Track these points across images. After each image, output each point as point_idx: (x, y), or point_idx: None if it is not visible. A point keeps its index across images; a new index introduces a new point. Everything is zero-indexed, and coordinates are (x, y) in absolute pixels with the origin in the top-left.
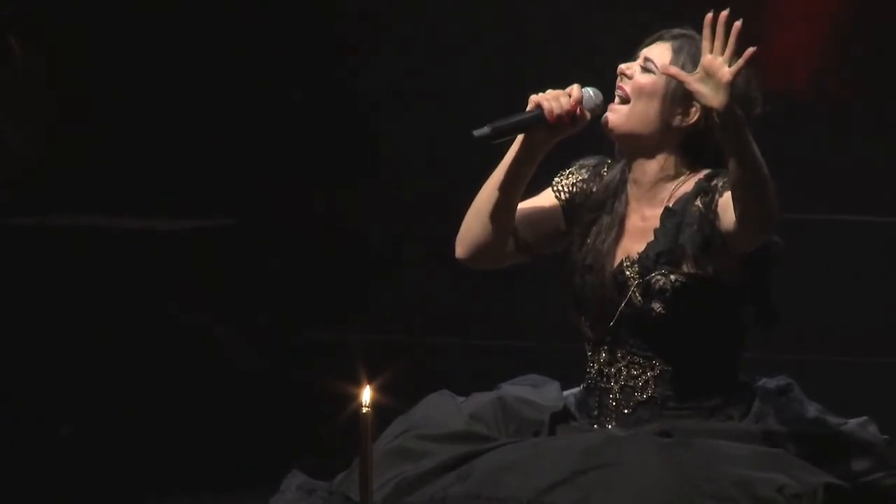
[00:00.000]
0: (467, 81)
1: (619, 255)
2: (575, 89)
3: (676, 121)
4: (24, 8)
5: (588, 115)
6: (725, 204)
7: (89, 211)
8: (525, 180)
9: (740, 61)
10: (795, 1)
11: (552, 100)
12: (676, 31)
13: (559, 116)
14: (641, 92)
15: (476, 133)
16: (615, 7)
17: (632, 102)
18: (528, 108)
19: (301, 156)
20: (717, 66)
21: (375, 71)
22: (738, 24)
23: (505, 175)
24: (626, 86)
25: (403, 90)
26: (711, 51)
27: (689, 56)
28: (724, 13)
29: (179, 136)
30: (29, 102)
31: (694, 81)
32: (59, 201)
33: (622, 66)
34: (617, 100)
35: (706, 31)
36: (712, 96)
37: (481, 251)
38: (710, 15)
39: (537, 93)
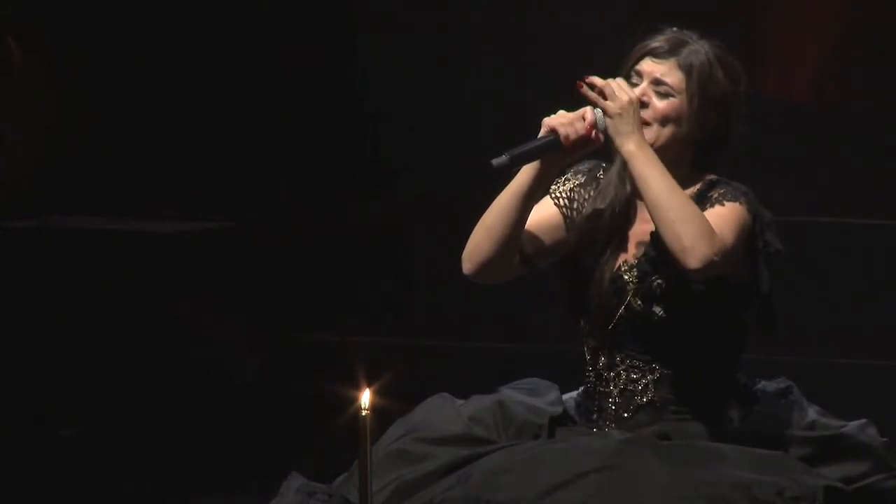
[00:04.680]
0: (474, 83)
1: (619, 260)
2: (588, 112)
3: (700, 135)
4: (24, 9)
5: (601, 137)
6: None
7: (89, 213)
8: (536, 200)
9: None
10: (795, 2)
11: (567, 125)
12: (674, 38)
13: (575, 142)
14: (666, 119)
15: (494, 163)
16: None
17: (655, 128)
18: (541, 133)
19: (301, 157)
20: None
21: (378, 71)
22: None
23: (516, 195)
24: (642, 113)
25: (406, 91)
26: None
27: (698, 76)
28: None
29: (180, 138)
30: (29, 104)
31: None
32: (59, 203)
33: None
34: None
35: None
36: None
37: (490, 268)
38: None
39: (548, 114)
